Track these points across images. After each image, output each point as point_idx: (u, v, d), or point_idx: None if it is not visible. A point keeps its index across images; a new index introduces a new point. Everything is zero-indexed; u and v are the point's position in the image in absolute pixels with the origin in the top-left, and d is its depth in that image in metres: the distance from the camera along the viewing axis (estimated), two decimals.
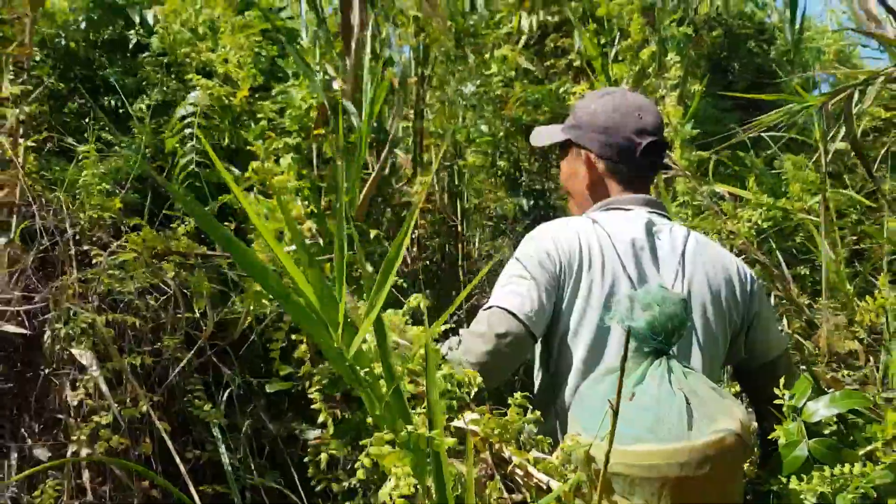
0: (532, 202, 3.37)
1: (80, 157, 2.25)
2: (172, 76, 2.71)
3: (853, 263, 2.80)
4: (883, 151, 3.06)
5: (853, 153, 2.66)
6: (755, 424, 1.78)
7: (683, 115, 2.78)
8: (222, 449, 2.16)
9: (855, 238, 2.70)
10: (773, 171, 3.03)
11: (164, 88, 2.63)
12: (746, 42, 3.61)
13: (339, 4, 2.77)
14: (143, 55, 2.75)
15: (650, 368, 1.35)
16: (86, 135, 2.40)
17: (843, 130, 2.69)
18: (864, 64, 3.74)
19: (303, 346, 1.85)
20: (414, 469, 1.11)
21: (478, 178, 3.30)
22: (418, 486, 1.13)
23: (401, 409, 1.14)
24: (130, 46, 2.80)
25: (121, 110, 2.64)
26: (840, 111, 2.23)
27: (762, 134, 3.08)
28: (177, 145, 2.40)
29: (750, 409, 1.85)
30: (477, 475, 1.24)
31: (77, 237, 2.20)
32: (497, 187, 3.39)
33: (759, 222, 2.37)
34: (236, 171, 2.42)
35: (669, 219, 1.85)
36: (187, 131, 2.40)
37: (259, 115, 2.51)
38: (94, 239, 2.22)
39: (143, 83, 2.67)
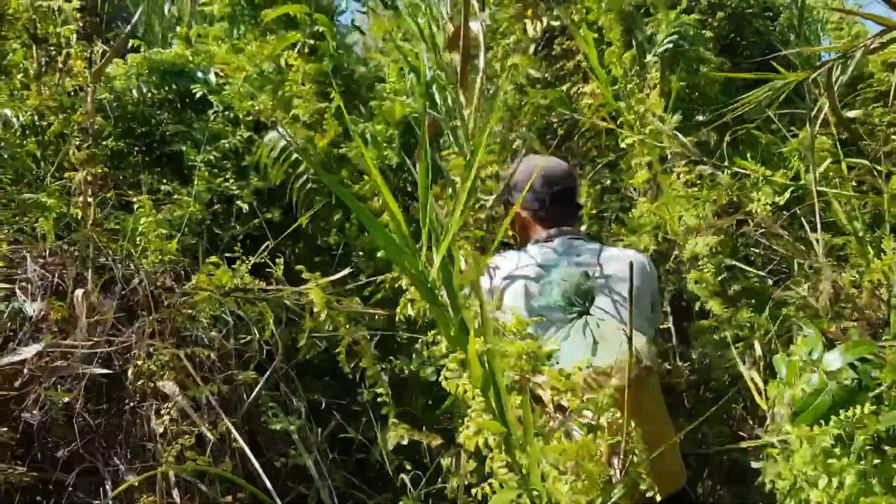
0: None
1: (136, 208, 2.48)
2: (240, 126, 2.95)
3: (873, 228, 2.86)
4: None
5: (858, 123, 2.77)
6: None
7: (665, 108, 2.94)
8: (302, 451, 2.40)
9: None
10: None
11: (236, 138, 2.88)
12: (752, 22, 3.72)
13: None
14: (211, 111, 2.98)
15: (576, 324, 2.16)
16: (143, 188, 2.63)
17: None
18: (869, 31, 3.83)
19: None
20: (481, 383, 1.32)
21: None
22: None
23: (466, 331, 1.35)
24: (194, 100, 3.02)
25: (185, 165, 2.88)
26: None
27: (771, 113, 3.22)
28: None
29: None
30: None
31: (142, 281, 2.40)
32: None
33: (775, 200, 2.50)
34: None
35: (586, 240, 2.46)
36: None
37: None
38: (159, 283, 2.42)
39: (206, 136, 2.88)
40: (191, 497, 2.34)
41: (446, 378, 1.48)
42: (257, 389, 2.45)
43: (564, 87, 3.61)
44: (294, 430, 2.40)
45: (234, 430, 2.28)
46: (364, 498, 2.44)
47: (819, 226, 2.47)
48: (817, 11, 3.61)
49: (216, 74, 3.06)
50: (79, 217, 2.38)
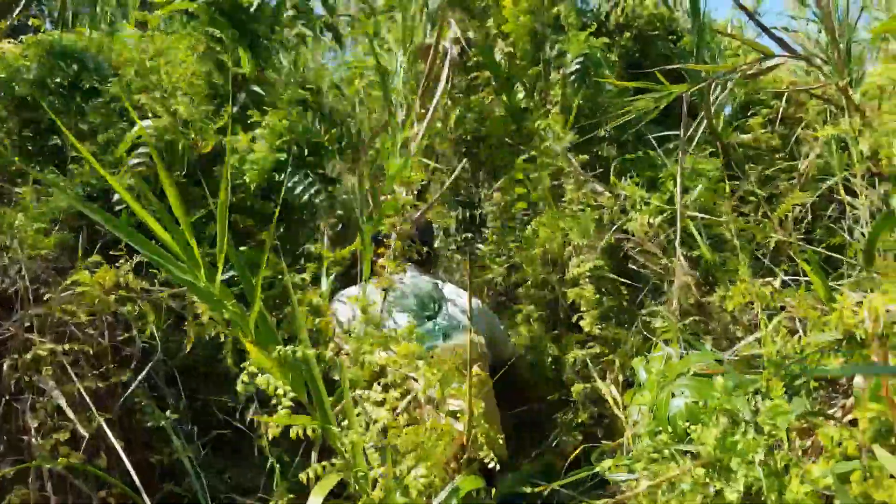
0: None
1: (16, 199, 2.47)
2: (124, 120, 2.85)
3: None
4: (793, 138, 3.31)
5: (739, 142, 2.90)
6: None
7: (564, 124, 3.04)
8: (178, 448, 2.42)
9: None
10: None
11: (116, 130, 2.80)
12: (657, 43, 3.85)
13: None
14: (96, 101, 2.88)
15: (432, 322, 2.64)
16: (25, 178, 2.60)
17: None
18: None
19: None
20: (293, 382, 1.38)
21: None
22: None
23: (268, 332, 1.41)
24: (85, 89, 2.93)
25: (71, 153, 2.77)
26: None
27: (672, 133, 3.34)
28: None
29: None
30: None
31: (21, 272, 2.40)
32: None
33: (650, 220, 2.62)
34: None
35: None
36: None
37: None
38: (38, 275, 2.42)
39: (94, 126, 2.82)
40: (64, 492, 2.35)
41: (244, 382, 1.53)
42: (132, 387, 2.46)
43: (473, 99, 3.68)
44: (168, 426, 2.42)
45: (105, 427, 2.30)
46: (236, 497, 2.48)
47: (700, 244, 2.59)
48: (718, 38, 3.74)
49: (110, 64, 3.03)
50: None
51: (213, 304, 1.36)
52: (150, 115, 2.75)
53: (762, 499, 1.36)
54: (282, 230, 2.99)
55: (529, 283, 2.99)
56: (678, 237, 2.41)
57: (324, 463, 1.55)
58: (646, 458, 1.66)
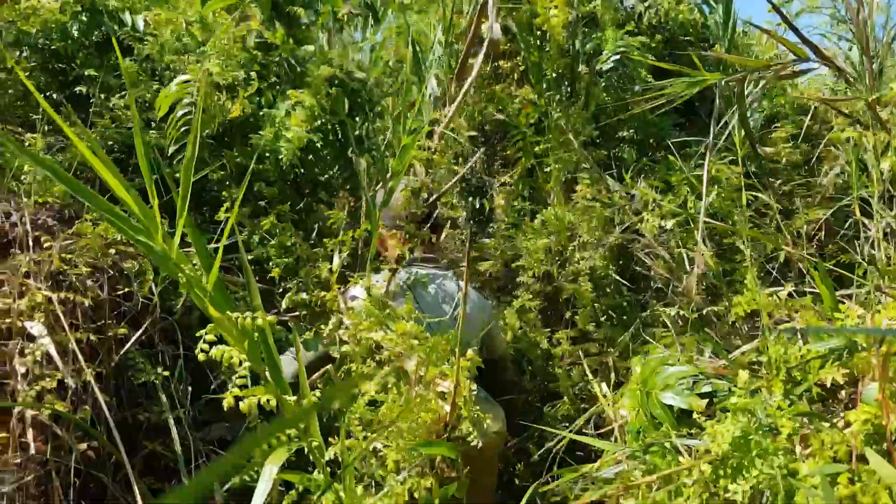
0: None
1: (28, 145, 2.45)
2: (155, 79, 2.90)
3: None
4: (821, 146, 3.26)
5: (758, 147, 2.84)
6: None
7: (585, 120, 3.00)
8: (165, 407, 2.41)
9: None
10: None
11: (146, 89, 2.82)
12: (688, 48, 3.80)
13: None
14: (130, 58, 2.90)
15: None
16: (49, 127, 2.60)
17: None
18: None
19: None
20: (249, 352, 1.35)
21: None
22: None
23: (223, 300, 1.37)
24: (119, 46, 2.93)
25: (93, 109, 2.81)
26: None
27: (693, 139, 3.30)
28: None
29: None
30: None
31: (23, 218, 2.39)
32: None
33: (661, 224, 2.57)
34: None
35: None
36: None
37: None
38: (40, 222, 2.41)
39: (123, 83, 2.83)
40: (44, 440, 2.33)
41: (202, 350, 1.50)
42: (130, 342, 2.45)
43: (498, 87, 3.64)
44: (158, 383, 2.40)
45: (92, 381, 2.28)
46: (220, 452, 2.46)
47: (704, 251, 2.55)
48: (749, 46, 3.69)
49: (145, 22, 3.02)
50: None
51: (167, 267, 1.33)
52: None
53: (764, 500, 1.33)
54: (301, 205, 3.07)
55: (530, 273, 2.94)
56: (701, 231, 2.35)
57: (278, 434, 1.53)
58: (639, 450, 1.63)
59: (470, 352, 2.14)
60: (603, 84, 3.40)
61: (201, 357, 1.48)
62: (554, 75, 3.28)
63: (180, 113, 2.66)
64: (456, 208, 3.60)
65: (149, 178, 1.34)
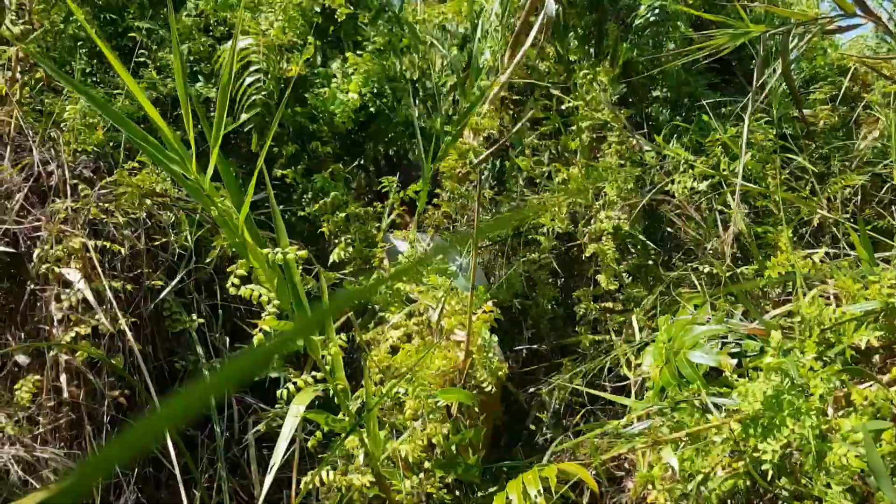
0: None
1: (68, 94, 2.47)
2: (209, 34, 2.94)
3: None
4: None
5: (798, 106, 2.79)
6: None
7: (614, 77, 2.96)
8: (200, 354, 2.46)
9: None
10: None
11: (198, 43, 2.86)
12: (726, 6, 3.71)
13: None
14: (184, 13, 2.95)
15: None
16: (92, 78, 2.62)
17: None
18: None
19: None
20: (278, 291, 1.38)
21: None
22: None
23: (255, 235, 1.40)
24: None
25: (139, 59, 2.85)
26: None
27: (729, 99, 3.24)
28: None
29: None
30: None
31: (61, 167, 2.41)
32: None
33: (693, 185, 2.54)
34: None
35: None
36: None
37: None
38: (78, 171, 2.43)
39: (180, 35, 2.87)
40: (77, 385, 2.39)
41: (234, 285, 1.53)
42: (166, 291, 2.49)
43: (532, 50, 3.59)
44: (193, 330, 2.44)
45: (127, 328, 2.32)
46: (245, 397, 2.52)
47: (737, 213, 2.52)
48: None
49: None
50: (3, 93, 2.37)
51: (200, 197, 1.35)
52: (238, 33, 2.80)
53: (793, 461, 1.33)
54: (353, 167, 3.18)
55: (542, 231, 2.91)
56: (738, 192, 2.32)
57: (304, 377, 1.58)
58: (667, 407, 1.64)
59: (489, 304, 2.18)
60: (634, 40, 3.34)
61: (232, 291, 1.52)
62: (581, 32, 3.21)
63: (248, 80, 2.70)
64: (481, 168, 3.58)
65: (185, 105, 1.36)
